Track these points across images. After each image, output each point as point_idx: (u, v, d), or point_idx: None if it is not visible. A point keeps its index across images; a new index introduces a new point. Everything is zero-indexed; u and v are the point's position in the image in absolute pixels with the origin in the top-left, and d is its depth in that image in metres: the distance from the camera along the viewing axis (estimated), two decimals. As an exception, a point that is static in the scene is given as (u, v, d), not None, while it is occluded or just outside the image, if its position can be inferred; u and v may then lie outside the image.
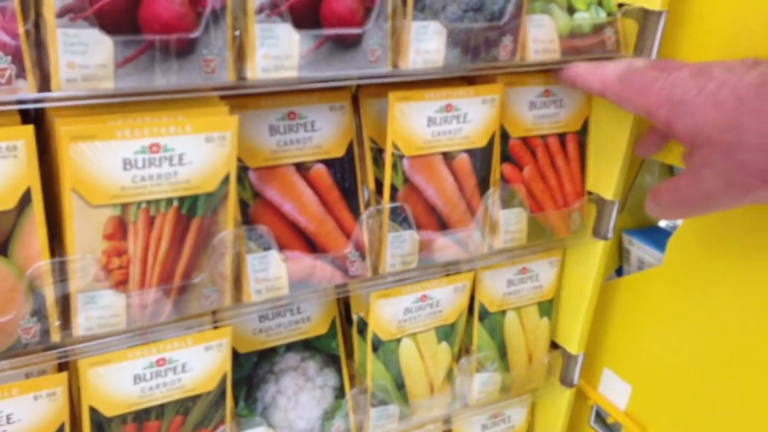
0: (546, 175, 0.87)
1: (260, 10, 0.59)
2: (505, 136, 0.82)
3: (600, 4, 0.79)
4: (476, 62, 0.72)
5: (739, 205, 0.65)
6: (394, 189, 0.76)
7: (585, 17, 0.77)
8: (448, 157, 0.78)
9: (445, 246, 0.82)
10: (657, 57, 0.81)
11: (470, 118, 0.76)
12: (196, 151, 0.61)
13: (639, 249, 0.98)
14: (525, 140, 0.84)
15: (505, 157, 0.83)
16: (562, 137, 0.87)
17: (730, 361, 0.83)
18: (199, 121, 0.61)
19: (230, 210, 0.66)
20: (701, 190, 0.65)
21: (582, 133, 0.88)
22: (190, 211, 0.64)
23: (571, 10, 0.77)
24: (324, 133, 0.74)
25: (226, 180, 0.64)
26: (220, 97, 0.64)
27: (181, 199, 0.63)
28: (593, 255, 0.95)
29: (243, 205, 0.71)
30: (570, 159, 0.88)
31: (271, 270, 0.72)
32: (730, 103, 0.61)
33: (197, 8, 0.55)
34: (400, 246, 0.78)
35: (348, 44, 0.64)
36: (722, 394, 0.84)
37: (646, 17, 0.79)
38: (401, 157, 0.75)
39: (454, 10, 0.68)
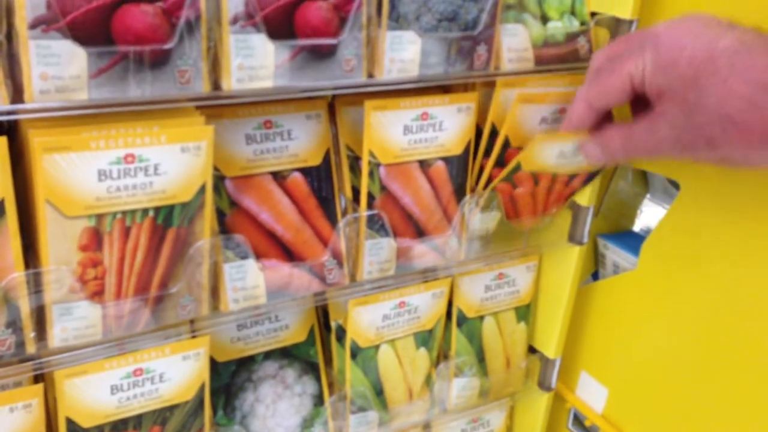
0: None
1: (235, 21, 0.59)
2: (506, 144, 0.82)
3: (573, 13, 0.80)
4: (451, 71, 0.72)
5: (680, 158, 0.65)
6: (371, 197, 0.76)
7: (558, 26, 0.78)
8: (424, 164, 0.78)
9: (422, 253, 0.82)
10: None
11: (446, 126, 0.77)
12: (171, 162, 0.61)
13: (614, 253, 0.99)
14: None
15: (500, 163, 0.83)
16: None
17: (706, 364, 0.84)
18: (174, 132, 0.61)
19: (207, 219, 0.66)
20: (652, 140, 0.66)
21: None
22: (166, 221, 0.64)
23: (544, 19, 0.78)
24: (300, 141, 0.74)
25: (202, 190, 0.64)
26: (196, 106, 0.64)
27: (157, 210, 0.63)
28: (569, 260, 0.95)
29: (220, 214, 0.71)
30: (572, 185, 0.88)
31: (248, 279, 0.72)
32: (700, 60, 0.60)
33: (171, 19, 0.55)
34: (377, 253, 0.79)
35: (323, 54, 0.64)
36: (698, 396, 0.85)
37: (617, 25, 0.80)
38: (378, 165, 0.75)
39: (429, 19, 0.69)
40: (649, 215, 1.02)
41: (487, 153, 0.82)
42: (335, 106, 0.77)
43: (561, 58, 0.79)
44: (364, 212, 0.76)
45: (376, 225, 0.78)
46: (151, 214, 0.63)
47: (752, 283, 0.77)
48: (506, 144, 0.81)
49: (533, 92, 0.79)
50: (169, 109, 0.62)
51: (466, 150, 0.80)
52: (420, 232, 0.81)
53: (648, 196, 1.02)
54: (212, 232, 0.68)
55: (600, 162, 0.74)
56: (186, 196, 0.64)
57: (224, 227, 0.71)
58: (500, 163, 0.82)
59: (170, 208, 0.63)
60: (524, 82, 0.80)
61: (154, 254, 0.65)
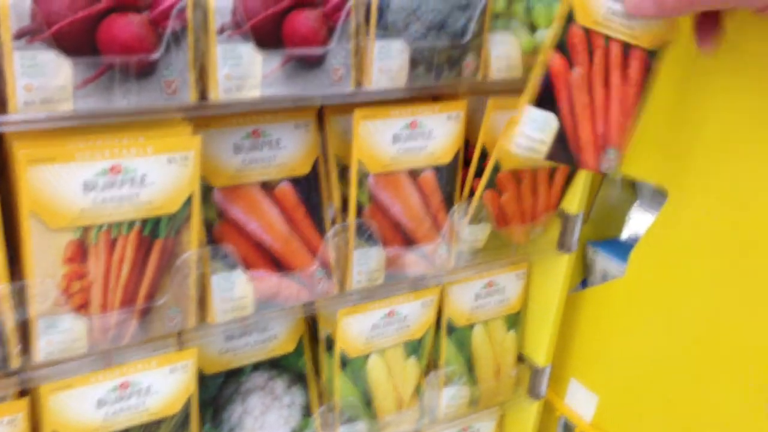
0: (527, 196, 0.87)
1: (222, 30, 0.58)
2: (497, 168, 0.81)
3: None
4: (439, 80, 0.72)
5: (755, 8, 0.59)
6: (360, 206, 0.76)
7: (546, 34, 0.78)
8: (413, 173, 0.78)
9: (411, 261, 0.82)
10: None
11: (435, 134, 0.77)
12: (158, 172, 0.61)
13: (603, 260, 0.99)
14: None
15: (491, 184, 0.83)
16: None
17: (695, 371, 0.84)
18: (161, 142, 0.60)
19: (194, 230, 0.65)
20: None
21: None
22: (153, 232, 0.63)
23: (533, 28, 0.78)
24: (289, 150, 0.73)
25: (189, 200, 0.63)
26: (183, 117, 0.64)
27: (144, 221, 0.62)
28: (559, 267, 0.95)
29: (207, 225, 0.71)
30: (554, 183, 0.89)
31: (236, 289, 0.71)
32: None
33: (158, 29, 0.55)
34: (366, 263, 0.78)
35: (311, 63, 0.64)
36: (688, 403, 0.85)
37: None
38: (367, 174, 0.75)
39: (417, 28, 0.68)
40: (638, 222, 1.03)
41: (479, 174, 0.82)
42: (324, 115, 0.77)
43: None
44: (353, 222, 0.76)
45: (365, 234, 0.77)
46: (137, 225, 0.62)
47: (741, 290, 0.77)
48: (497, 168, 0.81)
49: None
50: (156, 120, 0.61)
51: (455, 158, 0.80)
52: (409, 241, 0.81)
53: (636, 203, 1.02)
54: (200, 242, 0.68)
55: (645, 12, 0.65)
56: (173, 207, 0.63)
57: (212, 237, 0.71)
58: (490, 182, 0.82)
59: (157, 220, 0.63)
60: (515, 104, 0.79)
61: (140, 266, 0.64)
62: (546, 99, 0.70)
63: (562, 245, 0.93)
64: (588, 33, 0.70)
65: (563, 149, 0.72)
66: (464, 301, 0.94)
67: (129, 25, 0.53)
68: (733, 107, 0.75)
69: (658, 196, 1.00)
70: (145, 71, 0.56)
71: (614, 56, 0.71)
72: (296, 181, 0.74)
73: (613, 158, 0.75)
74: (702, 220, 0.80)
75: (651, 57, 0.72)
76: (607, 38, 0.70)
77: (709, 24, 0.69)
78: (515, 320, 1.00)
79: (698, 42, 0.69)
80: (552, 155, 0.72)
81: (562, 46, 0.69)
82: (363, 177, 0.75)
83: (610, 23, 0.70)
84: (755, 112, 0.73)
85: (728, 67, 0.74)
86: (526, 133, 0.70)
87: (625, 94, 0.73)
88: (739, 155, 0.75)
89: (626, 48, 0.71)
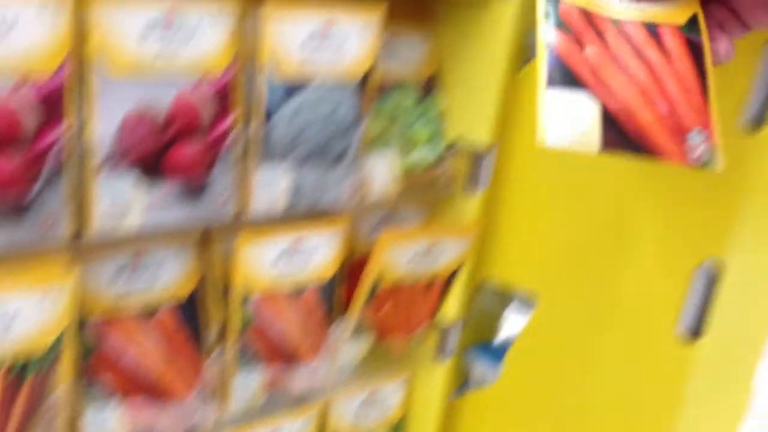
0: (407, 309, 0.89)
1: (102, 163, 0.57)
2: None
3: (437, 140, 0.83)
4: (321, 202, 0.73)
5: None
6: (241, 328, 0.74)
7: (423, 153, 0.81)
8: (295, 291, 0.77)
9: (293, 379, 0.81)
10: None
11: (317, 252, 0.77)
12: (30, 309, 0.57)
13: (480, 365, 1.01)
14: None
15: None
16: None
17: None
18: (34, 277, 0.57)
19: (66, 366, 0.62)
20: None
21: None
22: (22, 372, 0.59)
23: (411, 147, 0.81)
24: (170, 276, 0.71)
25: (63, 335, 0.60)
26: (60, 248, 0.61)
27: (12, 361, 0.58)
28: (438, 374, 0.97)
29: (82, 357, 0.67)
30: (432, 293, 0.90)
31: (110, 423, 0.68)
32: None
33: (35, 167, 0.53)
34: (247, 385, 0.77)
35: (195, 190, 0.63)
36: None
37: (477, 152, 0.84)
38: (248, 295, 0.74)
39: (300, 153, 0.69)
40: (512, 326, 1.06)
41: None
42: (207, 238, 0.76)
43: (427, 184, 0.82)
44: (233, 345, 0.74)
45: (246, 356, 0.76)
46: (5, 366, 0.58)
47: (615, 391, 0.81)
48: (376, 284, 0.82)
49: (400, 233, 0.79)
50: (31, 254, 0.58)
51: (338, 274, 0.80)
52: (291, 359, 0.80)
53: (511, 306, 1.06)
54: (72, 377, 0.64)
55: None
56: (45, 342, 0.59)
57: (86, 370, 0.67)
58: (369, 297, 0.83)
59: (27, 358, 0.59)
60: (406, 236, 0.81)
61: (7, 408, 0.59)
62: (564, 80, 0.54)
63: (441, 353, 0.95)
64: (586, 14, 0.58)
65: (623, 138, 0.54)
66: (346, 414, 0.93)
67: (5, 163, 0.51)
68: (597, 216, 0.80)
69: (530, 300, 1.05)
70: (22, 207, 0.53)
71: (637, 36, 0.58)
72: (177, 307, 0.72)
73: (700, 142, 0.56)
74: (571, 324, 0.84)
75: (687, 31, 0.59)
76: (616, 21, 0.58)
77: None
78: (398, 428, 1.00)
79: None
80: (610, 145, 0.53)
81: (559, 24, 0.56)
82: (245, 299, 0.74)
83: (611, 6, 0.58)
84: (616, 220, 0.78)
85: (590, 180, 0.80)
86: (562, 119, 0.52)
87: (675, 70, 0.58)
88: (601, 261, 0.80)
89: (650, 27, 0.59)
